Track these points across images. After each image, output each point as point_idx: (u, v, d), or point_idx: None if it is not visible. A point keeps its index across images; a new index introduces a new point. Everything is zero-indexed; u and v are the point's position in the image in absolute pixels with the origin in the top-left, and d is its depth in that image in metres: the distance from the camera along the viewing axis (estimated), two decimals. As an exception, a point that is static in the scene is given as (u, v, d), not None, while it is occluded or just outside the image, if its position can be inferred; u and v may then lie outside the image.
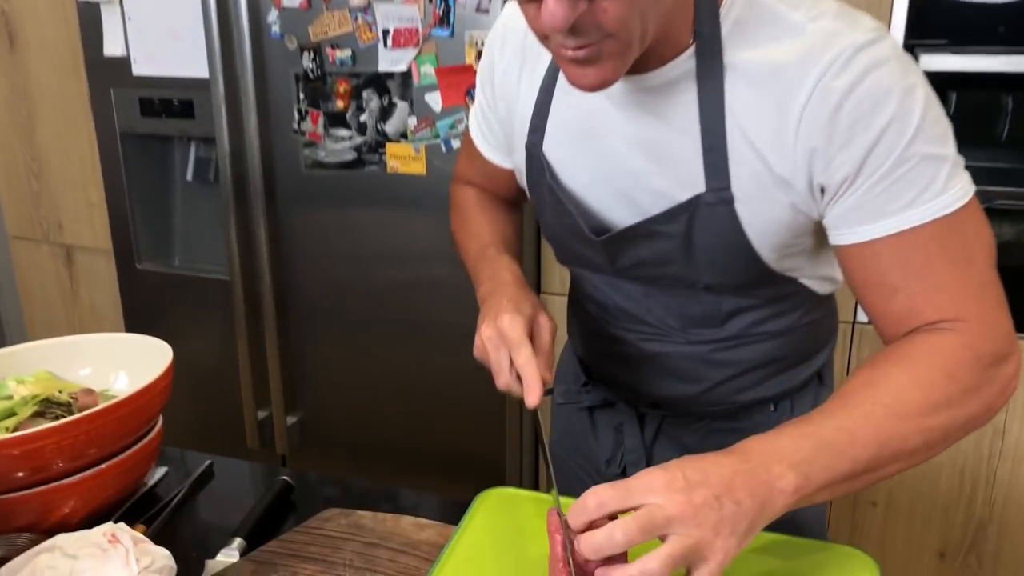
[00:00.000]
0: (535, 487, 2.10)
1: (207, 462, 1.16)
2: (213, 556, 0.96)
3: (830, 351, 1.15)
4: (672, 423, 1.12)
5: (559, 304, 1.99)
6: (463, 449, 1.99)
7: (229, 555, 0.96)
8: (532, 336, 0.89)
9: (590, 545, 0.70)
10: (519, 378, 0.88)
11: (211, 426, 2.23)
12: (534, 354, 0.88)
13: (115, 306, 2.29)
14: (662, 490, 0.70)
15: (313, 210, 1.96)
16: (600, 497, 0.71)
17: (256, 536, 1.00)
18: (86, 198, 2.33)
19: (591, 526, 0.72)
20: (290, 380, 2.09)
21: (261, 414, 2.11)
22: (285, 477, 1.10)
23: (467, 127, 1.16)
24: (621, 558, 0.71)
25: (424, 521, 0.97)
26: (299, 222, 1.97)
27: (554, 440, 1.28)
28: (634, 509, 0.71)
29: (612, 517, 0.72)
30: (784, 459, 0.73)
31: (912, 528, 2.00)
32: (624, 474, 1.16)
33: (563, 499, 0.96)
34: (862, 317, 1.87)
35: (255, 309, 2.01)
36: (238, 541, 0.98)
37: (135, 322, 2.21)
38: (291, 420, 2.11)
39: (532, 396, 0.87)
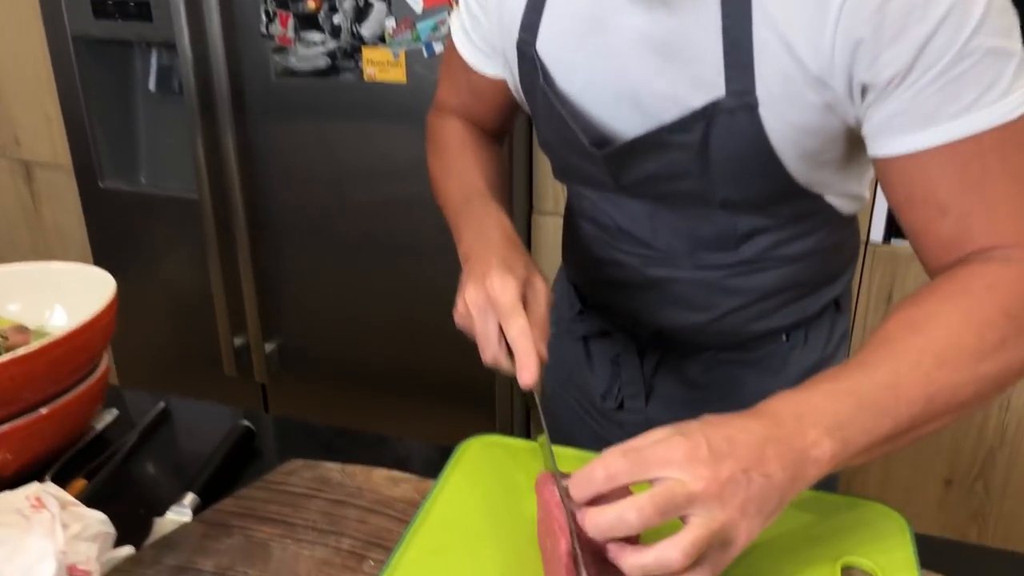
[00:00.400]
0: (528, 421, 2.01)
1: (160, 405, 1.05)
2: (163, 514, 0.86)
3: (850, 277, 1.04)
4: (674, 355, 1.01)
5: (552, 225, 1.86)
6: (451, 373, 1.89)
7: (180, 513, 0.86)
8: (525, 302, 0.77)
9: (597, 526, 0.59)
10: (510, 351, 0.76)
11: (186, 355, 2.13)
12: (528, 324, 0.74)
13: (81, 227, 2.15)
14: (684, 462, 0.59)
15: (285, 122, 1.80)
16: (610, 468, 0.60)
17: (212, 490, 0.89)
18: (42, 111, 2.16)
19: (596, 499, 0.61)
20: (267, 305, 1.97)
21: (238, 341, 2.00)
22: (245, 422, 0.99)
23: (450, 37, 1.01)
24: (632, 535, 0.60)
25: (399, 475, 0.87)
26: (271, 135, 1.83)
27: (546, 371, 1.17)
28: (649, 482, 0.60)
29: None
30: (820, 422, 0.62)
31: (919, 454, 1.92)
32: (621, 409, 1.05)
33: (559, 449, 0.85)
34: (876, 236, 1.75)
35: (227, 230, 1.88)
36: (191, 497, 0.87)
37: (101, 245, 2.08)
38: (270, 347, 2.00)
39: (527, 374, 0.74)
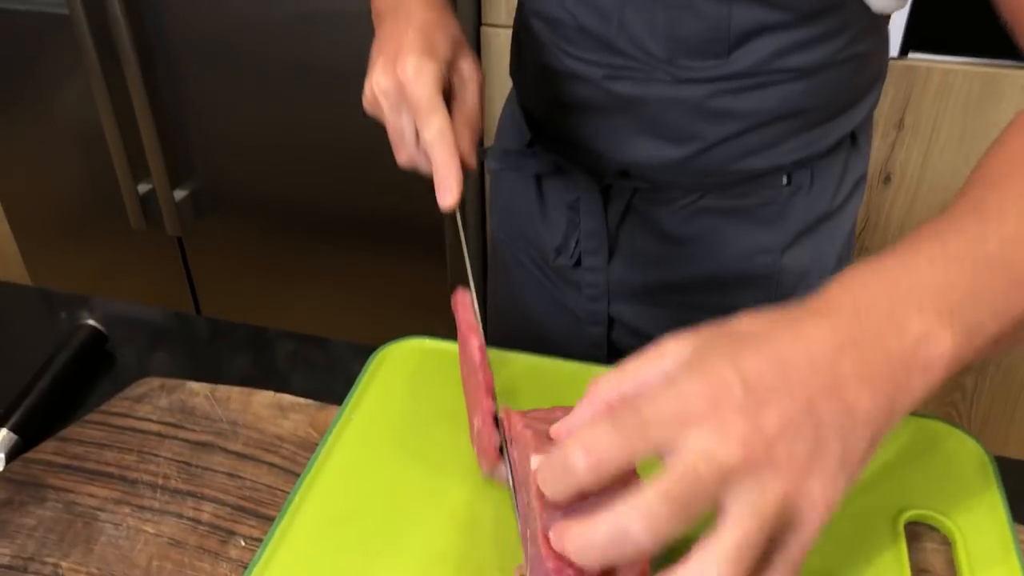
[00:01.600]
0: (483, 275, 1.77)
1: (-20, 295, 0.79)
2: (-34, 459, 0.62)
3: (873, 103, 0.79)
4: (646, 199, 0.78)
5: (504, 40, 1.54)
6: (395, 217, 1.64)
7: (-13, 460, 0.62)
8: (450, 91, 0.59)
9: (584, 554, 0.37)
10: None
11: (88, 207, 1.84)
12: (450, 124, 0.56)
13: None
14: (706, 417, 0.37)
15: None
16: (594, 449, 0.38)
17: (39, 424, 0.65)
18: None
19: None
20: (171, 144, 1.67)
21: (142, 188, 1.71)
22: (92, 322, 0.73)
23: None
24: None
25: (288, 399, 0.63)
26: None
27: (493, 219, 0.93)
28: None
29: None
30: (927, 305, 0.40)
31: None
32: (579, 266, 0.82)
33: (502, 355, 0.62)
34: (891, 50, 1.47)
35: (111, 53, 1.54)
36: (3, 435, 0.63)
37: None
38: (180, 194, 1.71)
39: (447, 194, 0.55)
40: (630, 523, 0.36)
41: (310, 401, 0.63)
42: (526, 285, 0.90)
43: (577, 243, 0.81)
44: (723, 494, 0.37)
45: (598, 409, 0.41)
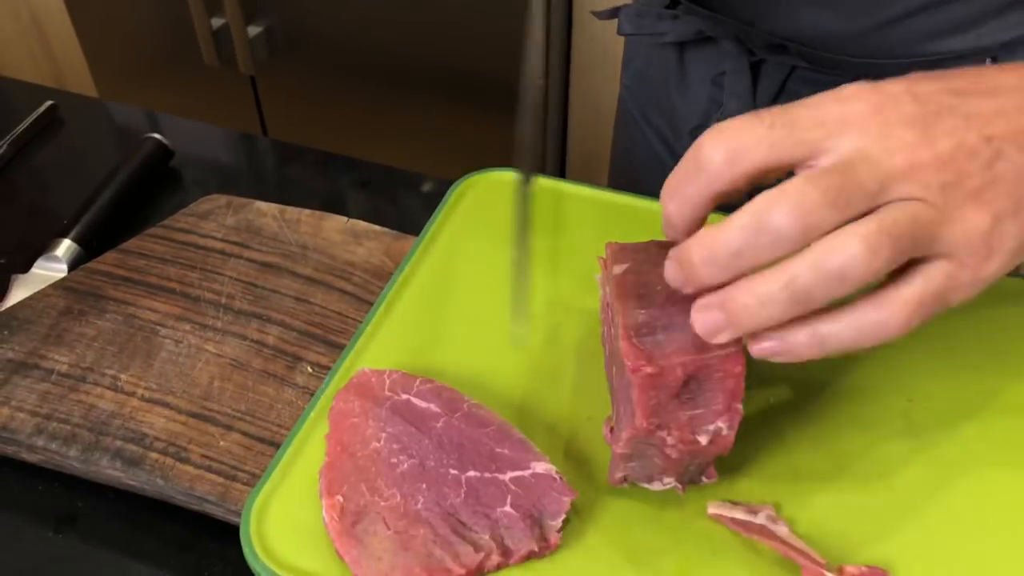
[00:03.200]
0: (562, 162, 1.68)
1: (46, 104, 0.75)
2: (27, 268, 0.59)
3: None
4: (805, 80, 0.65)
5: None
6: (475, 72, 1.55)
7: (48, 268, 0.59)
8: None
9: (709, 255, 0.34)
10: None
11: (162, 45, 1.79)
12: None
13: None
14: (869, 123, 0.33)
15: None
16: (730, 135, 0.34)
17: (103, 236, 0.62)
18: None
19: None
20: (246, -23, 1.59)
21: (215, 23, 1.65)
22: (158, 136, 0.69)
23: None
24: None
25: (364, 226, 0.58)
26: None
27: (624, 77, 0.81)
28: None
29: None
30: None
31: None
32: None
33: (627, 200, 0.56)
34: None
35: None
36: (67, 245, 0.60)
37: None
38: (254, 31, 1.64)
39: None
40: (773, 207, 0.32)
41: (386, 229, 0.57)
42: (647, 167, 0.80)
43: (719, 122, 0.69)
44: (880, 197, 0.32)
45: None
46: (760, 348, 0.35)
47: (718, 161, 0.33)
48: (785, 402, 0.45)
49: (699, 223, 0.36)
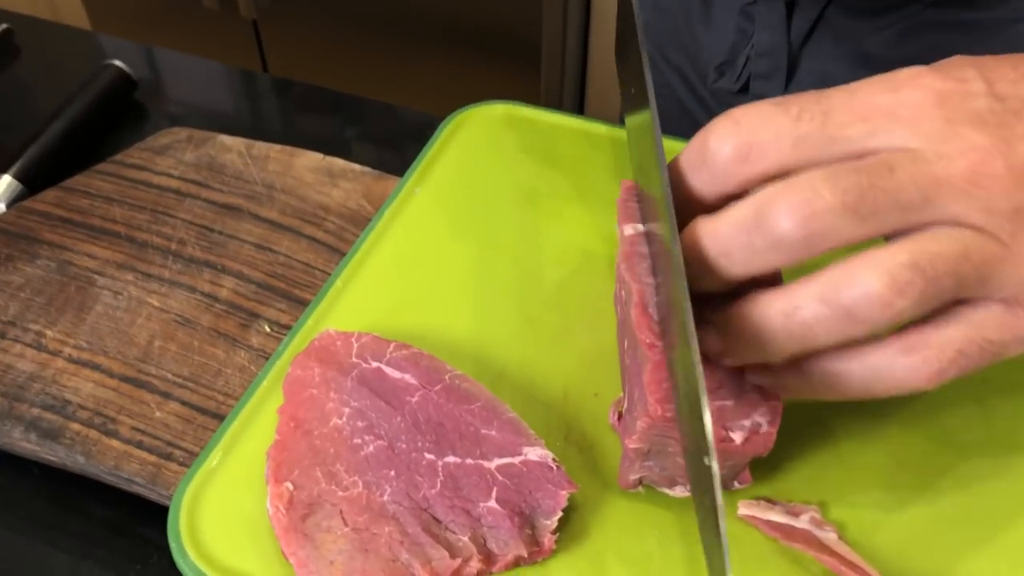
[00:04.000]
0: (583, 92, 1.58)
1: (1, 27, 0.67)
2: (-39, 206, 0.52)
3: None
4: (845, 8, 0.56)
5: None
6: (487, 19, 1.46)
7: (-18, 208, 0.52)
8: None
9: (718, 240, 0.27)
10: None
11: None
12: None
13: None
14: (923, 111, 0.26)
15: None
16: (747, 134, 0.26)
17: (45, 173, 0.54)
18: None
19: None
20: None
21: (214, -38, 1.57)
22: (119, 63, 0.61)
23: None
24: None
25: (341, 165, 0.50)
26: None
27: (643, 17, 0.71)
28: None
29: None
30: None
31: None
32: (746, 91, 0.62)
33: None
34: None
35: None
36: (6, 182, 0.53)
37: None
38: (254, -29, 1.56)
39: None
40: (775, 202, 0.25)
41: (366, 168, 0.50)
42: (667, 112, 0.70)
43: (747, 62, 0.62)
44: (922, 214, 0.25)
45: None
46: (752, 378, 0.28)
47: (726, 156, 0.26)
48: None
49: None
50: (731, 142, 0.26)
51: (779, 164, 0.26)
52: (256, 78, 0.66)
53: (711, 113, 0.64)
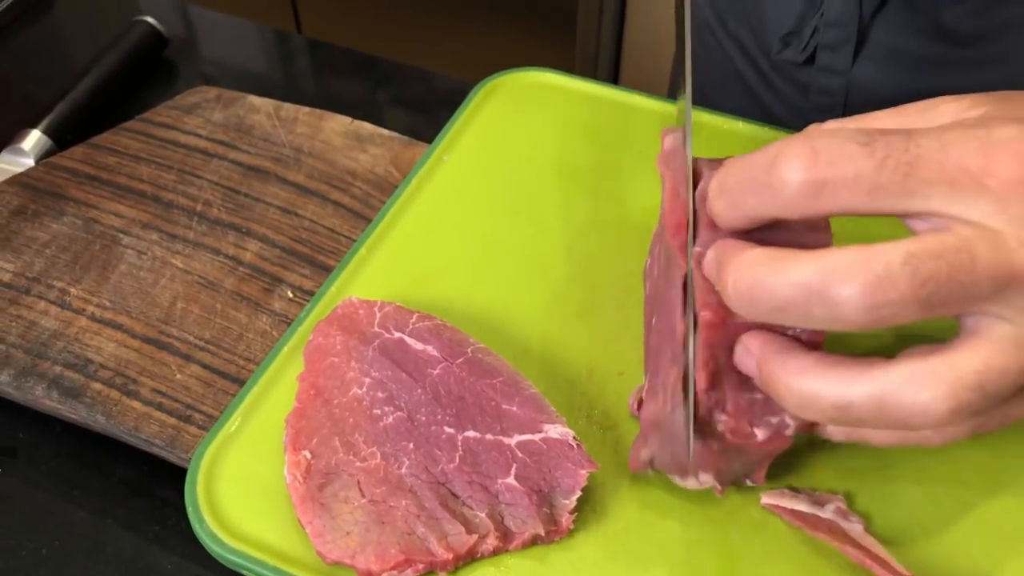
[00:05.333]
0: (618, 60, 1.56)
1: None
2: (-10, 159, 0.52)
3: None
4: None
5: None
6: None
7: (11, 163, 0.52)
8: None
9: (744, 290, 0.25)
10: None
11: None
12: None
13: None
14: (1014, 185, 0.23)
15: None
16: (823, 171, 0.24)
17: (74, 129, 0.54)
18: None
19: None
20: None
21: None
22: (150, 20, 0.60)
23: None
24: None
25: (370, 129, 0.49)
26: None
27: None
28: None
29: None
30: None
31: None
32: (811, 63, 0.59)
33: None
34: None
35: None
36: (36, 137, 0.53)
37: None
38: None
39: None
40: (845, 274, 0.23)
41: (395, 134, 0.49)
42: (722, 86, 0.67)
43: (815, 32, 0.58)
44: (987, 304, 0.23)
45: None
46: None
47: (795, 187, 0.24)
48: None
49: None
50: (805, 175, 0.24)
51: (850, 208, 0.24)
52: (288, 38, 0.65)
53: (770, 86, 0.62)
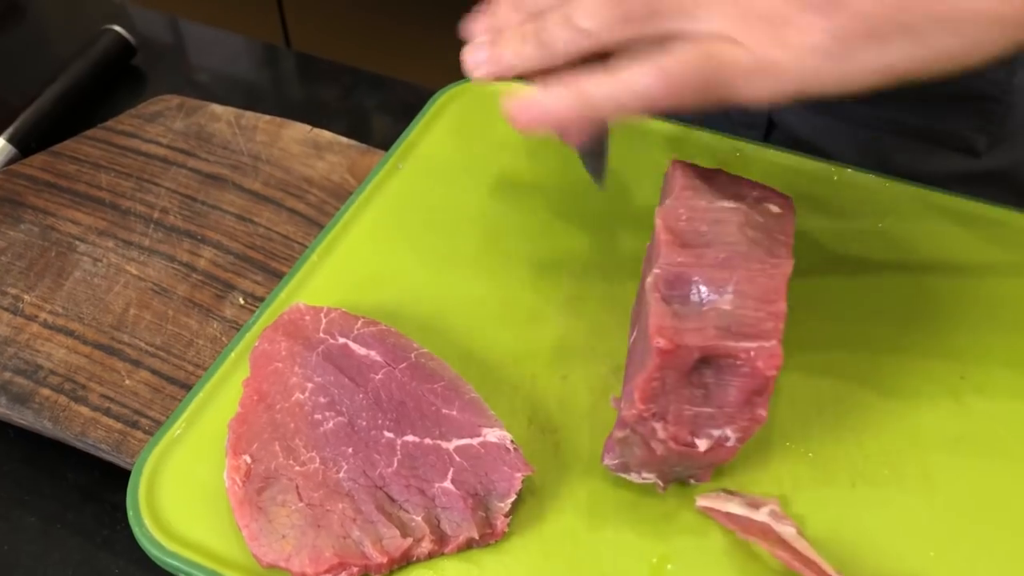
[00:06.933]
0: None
1: (3, -11, 0.67)
2: (-46, 167, 0.53)
3: None
4: None
5: None
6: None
7: (-25, 170, 0.52)
8: None
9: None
10: None
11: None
12: None
13: None
14: None
15: None
16: None
17: (39, 138, 0.55)
18: None
19: None
20: None
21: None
22: (118, 29, 0.61)
23: None
24: None
25: (328, 137, 0.50)
26: None
27: None
28: None
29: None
30: None
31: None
32: None
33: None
34: None
35: None
36: (1, 145, 0.53)
37: None
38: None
39: None
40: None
41: (353, 142, 0.49)
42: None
43: None
44: (673, 21, 0.29)
45: None
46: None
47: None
48: (809, 370, 0.36)
49: None
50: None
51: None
52: (265, 48, 0.66)
53: None
